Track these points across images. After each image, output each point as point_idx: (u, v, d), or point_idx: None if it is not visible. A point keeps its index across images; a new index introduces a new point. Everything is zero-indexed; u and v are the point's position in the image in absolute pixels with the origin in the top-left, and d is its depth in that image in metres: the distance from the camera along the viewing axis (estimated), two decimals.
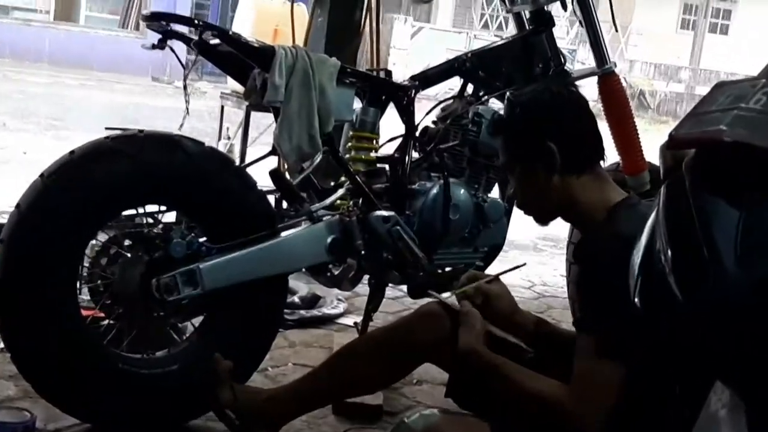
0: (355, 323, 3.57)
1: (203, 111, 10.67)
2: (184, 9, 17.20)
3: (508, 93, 2.23)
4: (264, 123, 5.52)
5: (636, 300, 1.28)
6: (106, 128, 2.60)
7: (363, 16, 4.49)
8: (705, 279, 1.17)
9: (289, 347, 3.44)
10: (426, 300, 2.57)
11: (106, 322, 2.67)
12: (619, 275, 1.76)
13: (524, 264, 2.65)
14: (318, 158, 2.74)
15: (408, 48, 19.25)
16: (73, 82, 15.14)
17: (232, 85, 5.28)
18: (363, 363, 2.40)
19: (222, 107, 5.49)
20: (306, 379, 2.54)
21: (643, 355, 1.77)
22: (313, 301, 3.93)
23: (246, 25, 5.05)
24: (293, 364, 3.31)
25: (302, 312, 3.77)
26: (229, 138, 5.41)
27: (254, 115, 5.09)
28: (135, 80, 15.96)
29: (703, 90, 25.34)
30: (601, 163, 2.21)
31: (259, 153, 4.64)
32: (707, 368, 1.25)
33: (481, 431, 1.96)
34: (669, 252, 1.22)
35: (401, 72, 12.46)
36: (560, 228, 3.28)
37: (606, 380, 1.85)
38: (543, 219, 2.21)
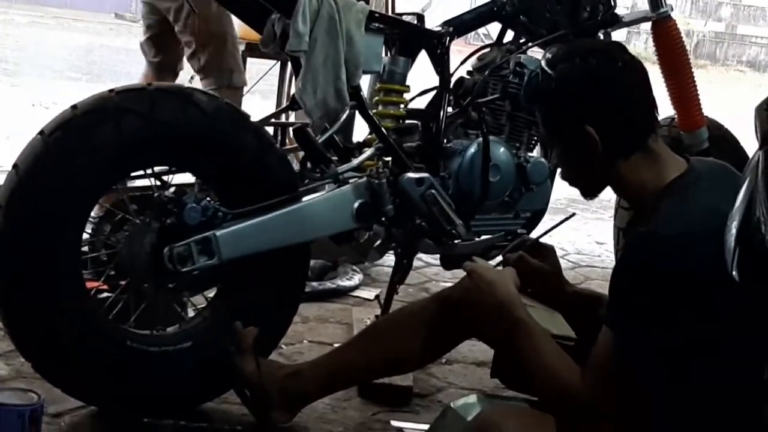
0: (377, 296, 3.68)
1: None
2: None
3: (544, 54, 2.25)
4: (259, 69, 5.60)
5: (734, 273, 1.39)
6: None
7: None
8: None
9: (302, 323, 3.55)
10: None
11: (108, 295, 2.77)
12: (649, 282, 1.88)
13: (574, 214, 2.77)
14: (345, 114, 2.82)
15: None
16: (24, 19, 15.15)
17: None
18: (402, 337, 2.52)
19: None
20: (334, 355, 2.67)
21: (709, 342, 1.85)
22: (323, 271, 4.04)
23: None
24: (309, 341, 3.43)
25: (313, 284, 3.87)
26: None
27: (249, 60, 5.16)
28: (96, 18, 15.97)
29: (746, 29, 25.39)
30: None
31: (253, 103, 4.75)
32: None
33: (541, 423, 2.05)
34: None
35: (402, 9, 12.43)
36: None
37: (623, 383, 1.91)
38: (589, 194, 2.26)
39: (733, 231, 1.42)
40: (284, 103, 5.20)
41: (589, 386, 1.93)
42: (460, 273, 2.58)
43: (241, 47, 5.03)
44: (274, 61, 5.29)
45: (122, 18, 16.16)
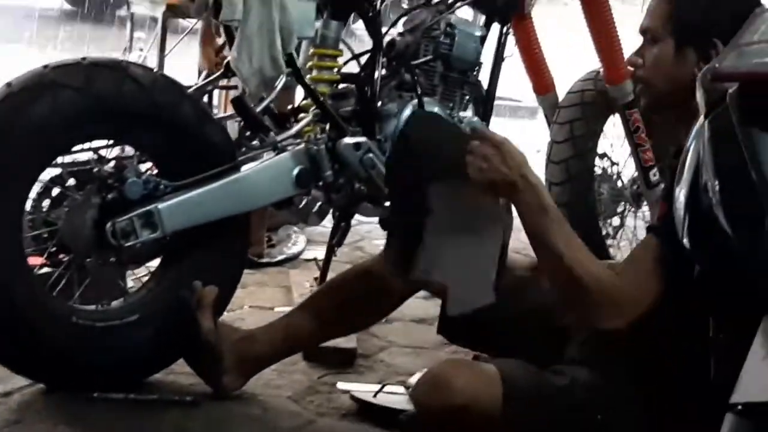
0: (315, 259, 3.72)
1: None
2: None
3: None
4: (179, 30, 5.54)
5: (685, 240, 1.46)
6: None
7: None
8: (755, 208, 1.36)
9: (241, 288, 3.53)
10: None
11: (50, 269, 2.76)
12: None
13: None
14: (281, 82, 2.84)
15: None
16: None
17: None
18: (351, 298, 2.57)
19: (132, 14, 5.50)
20: (286, 318, 2.74)
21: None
22: None
23: None
24: (249, 306, 3.46)
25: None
26: (141, 50, 5.43)
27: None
28: None
29: None
30: None
31: (173, 65, 4.71)
32: (756, 305, 1.44)
33: (490, 379, 2.10)
34: (716, 184, 1.40)
35: None
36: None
37: (654, 279, 1.99)
38: (654, 102, 2.22)
39: (682, 199, 1.48)
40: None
41: (629, 282, 1.99)
42: None
43: (162, 8, 5.01)
44: (195, 20, 5.26)
45: None
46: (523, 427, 2.04)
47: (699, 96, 1.54)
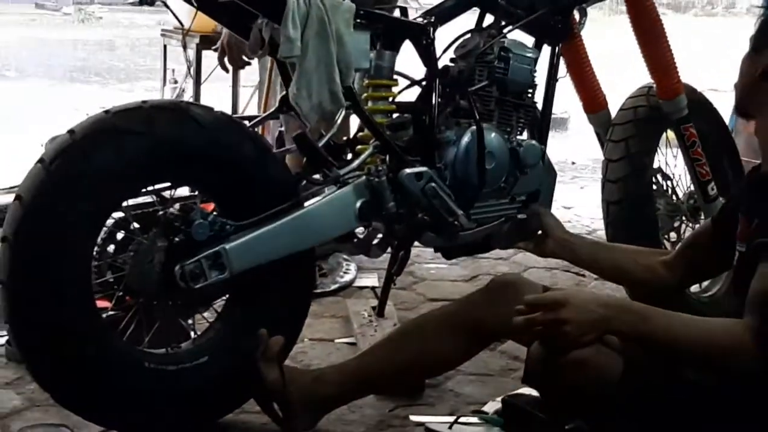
0: (373, 288, 3.69)
1: (108, 42, 10.58)
2: None
3: None
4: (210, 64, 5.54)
5: None
6: None
7: None
8: None
9: None
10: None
11: (114, 312, 2.74)
12: None
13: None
14: (341, 116, 2.82)
15: None
16: None
17: (173, 20, 5.28)
18: (432, 342, 2.54)
19: (165, 46, 5.51)
20: (361, 359, 2.70)
21: None
22: None
23: None
24: (309, 339, 3.43)
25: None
26: (176, 81, 5.44)
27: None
28: (17, 9, 15.66)
29: None
30: None
31: (207, 96, 4.71)
32: None
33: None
34: None
35: None
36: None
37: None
38: (736, 108, 2.37)
39: None
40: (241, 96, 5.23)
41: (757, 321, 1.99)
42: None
43: (195, 40, 5.02)
44: None
45: (43, 7, 15.86)
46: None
47: None
